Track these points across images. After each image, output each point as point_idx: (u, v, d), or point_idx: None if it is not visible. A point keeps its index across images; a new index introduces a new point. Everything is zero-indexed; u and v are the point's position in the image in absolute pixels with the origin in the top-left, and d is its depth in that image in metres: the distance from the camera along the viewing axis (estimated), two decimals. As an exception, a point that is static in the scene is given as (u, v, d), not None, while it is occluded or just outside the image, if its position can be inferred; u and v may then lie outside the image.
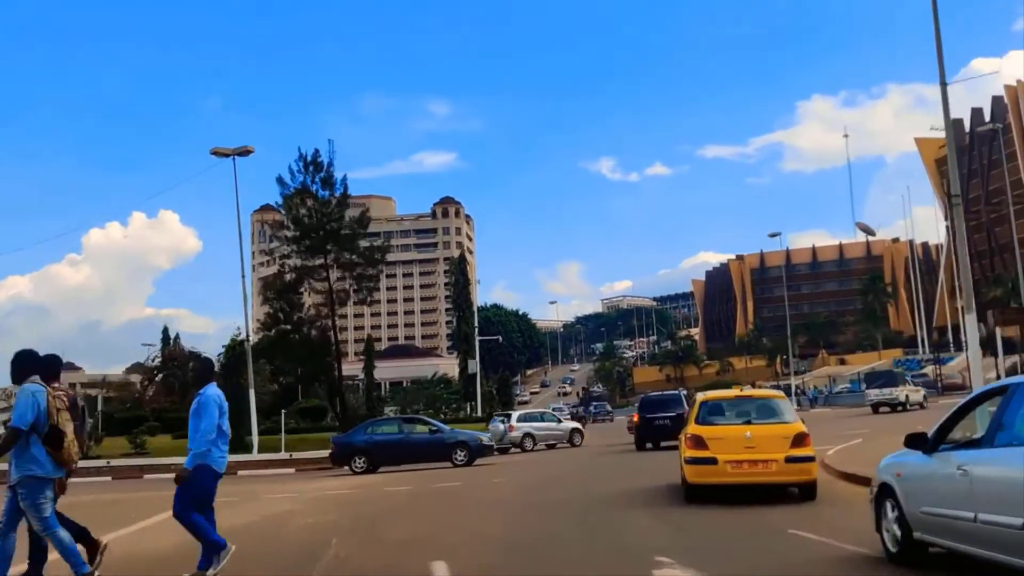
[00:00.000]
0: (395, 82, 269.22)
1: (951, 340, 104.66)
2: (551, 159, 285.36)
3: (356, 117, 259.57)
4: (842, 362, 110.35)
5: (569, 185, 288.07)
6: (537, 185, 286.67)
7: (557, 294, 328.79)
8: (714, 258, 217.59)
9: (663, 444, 27.27)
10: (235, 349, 37.64)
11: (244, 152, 35.15)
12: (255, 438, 34.39)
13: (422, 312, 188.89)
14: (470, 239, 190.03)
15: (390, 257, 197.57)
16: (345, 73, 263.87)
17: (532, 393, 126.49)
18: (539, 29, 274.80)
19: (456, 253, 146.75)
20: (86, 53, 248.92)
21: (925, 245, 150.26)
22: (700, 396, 15.20)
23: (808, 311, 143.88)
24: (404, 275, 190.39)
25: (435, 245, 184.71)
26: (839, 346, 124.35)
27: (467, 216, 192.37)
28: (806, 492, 12.65)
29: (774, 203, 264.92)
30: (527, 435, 35.80)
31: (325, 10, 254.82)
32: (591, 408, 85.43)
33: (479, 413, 53.23)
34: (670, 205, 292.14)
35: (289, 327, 39.11)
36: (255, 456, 33.59)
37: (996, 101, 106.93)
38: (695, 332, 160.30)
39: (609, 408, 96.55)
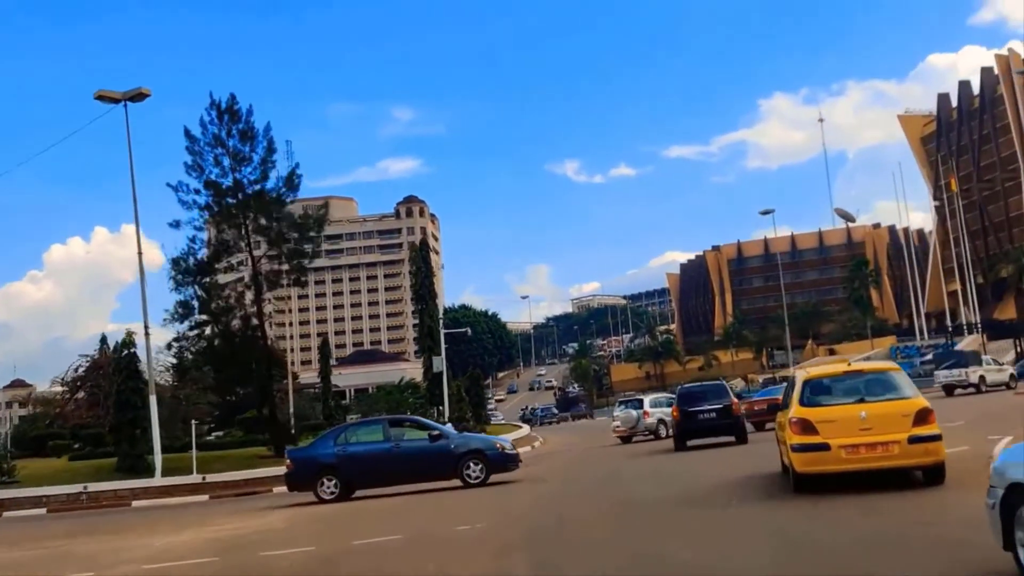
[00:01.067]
0: (359, 89, 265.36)
1: (950, 324, 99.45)
2: (517, 162, 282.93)
3: (320, 124, 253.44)
4: (831, 352, 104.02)
5: (535, 188, 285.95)
6: (503, 189, 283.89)
7: (528, 294, 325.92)
8: (681, 256, 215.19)
9: (711, 441, 24.68)
10: (128, 346, 29.88)
11: (138, 96, 27.76)
12: (158, 458, 26.80)
13: (388, 316, 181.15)
14: (436, 239, 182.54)
15: (353, 260, 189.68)
16: (309, 81, 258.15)
17: (498, 401, 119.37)
18: (501, 33, 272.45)
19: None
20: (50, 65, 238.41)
21: (907, 231, 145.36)
22: (802, 374, 13.06)
23: (789, 301, 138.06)
24: (368, 277, 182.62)
25: (400, 246, 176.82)
26: (824, 336, 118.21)
27: (432, 215, 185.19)
28: (932, 476, 11.34)
29: (740, 201, 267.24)
30: (661, 421, 30.84)
31: (287, 17, 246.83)
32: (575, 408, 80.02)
33: (447, 417, 46.03)
34: (636, 206, 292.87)
35: (206, 318, 31.53)
36: (157, 481, 26.24)
37: (985, 72, 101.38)
38: (672, 328, 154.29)
39: (584, 407, 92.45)
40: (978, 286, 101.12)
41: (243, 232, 30.59)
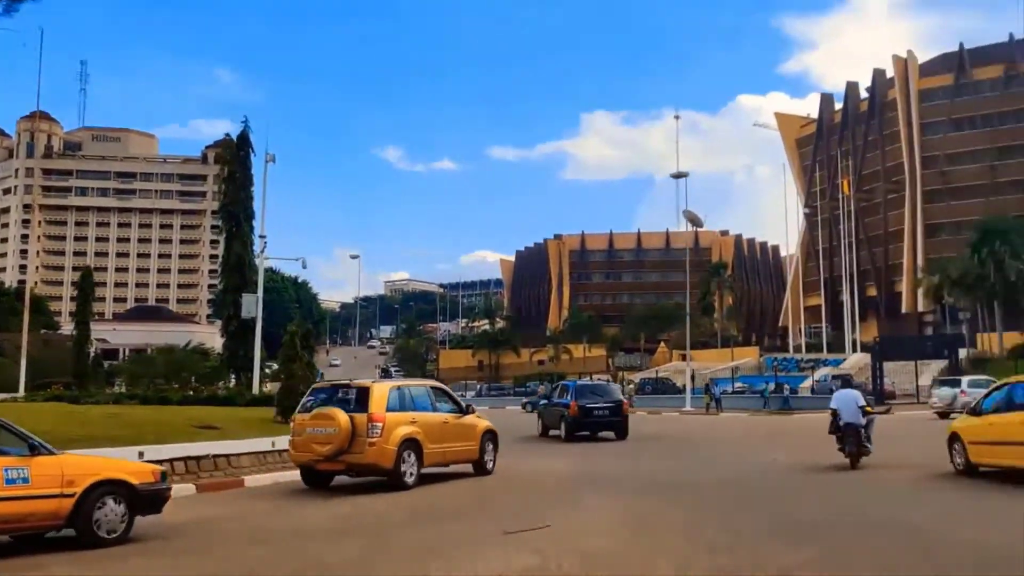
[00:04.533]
0: (176, 44, 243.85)
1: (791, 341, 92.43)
2: (338, 142, 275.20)
3: (131, 71, 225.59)
4: (683, 358, 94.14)
5: (354, 170, 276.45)
6: (321, 167, 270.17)
7: (334, 279, 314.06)
8: (492, 256, 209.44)
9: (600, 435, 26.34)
10: None
11: None
12: None
13: (180, 272, 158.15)
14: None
15: (146, 203, 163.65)
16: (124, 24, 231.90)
17: (332, 366, 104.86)
18: (335, 15, 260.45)
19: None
20: None
21: (752, 241, 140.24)
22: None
23: (629, 301, 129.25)
24: (163, 226, 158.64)
25: (203, 195, 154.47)
26: (670, 341, 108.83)
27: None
28: None
29: (555, 208, 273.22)
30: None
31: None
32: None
33: (258, 386, 30.25)
34: (454, 201, 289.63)
35: None
36: None
37: (878, 74, 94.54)
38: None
39: None
40: (838, 304, 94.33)
41: None
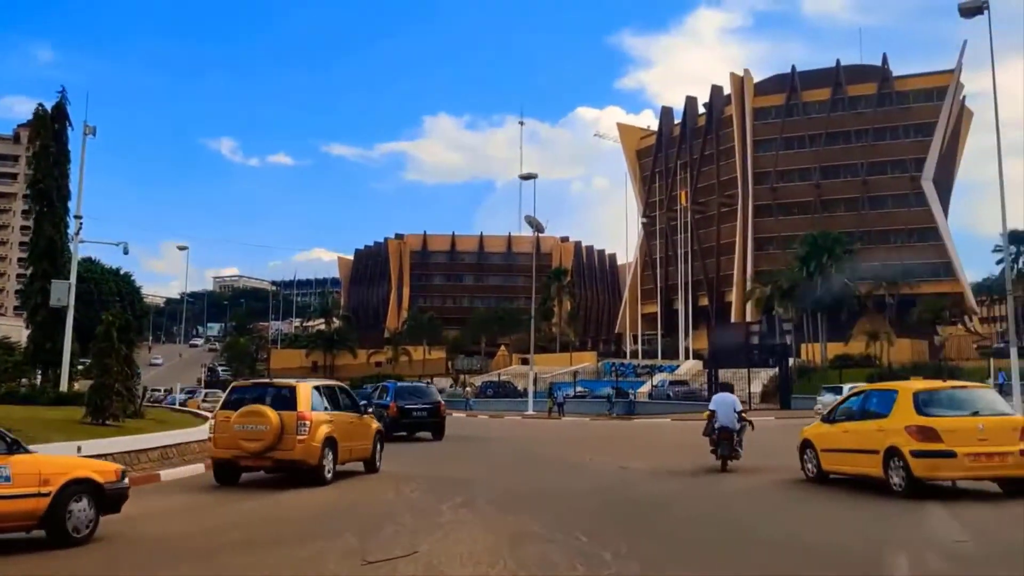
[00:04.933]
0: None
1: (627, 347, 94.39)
2: (167, 131, 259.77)
3: None
4: (525, 362, 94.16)
5: (183, 161, 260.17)
6: (149, 157, 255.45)
7: (160, 273, 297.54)
8: (328, 255, 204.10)
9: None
10: None
11: None
12: None
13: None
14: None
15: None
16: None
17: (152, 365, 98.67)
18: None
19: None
20: None
21: (591, 248, 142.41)
22: (905, 386, 14.13)
23: (470, 304, 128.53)
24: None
25: (15, 176, 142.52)
26: (511, 346, 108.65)
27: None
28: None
29: (394, 209, 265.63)
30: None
31: None
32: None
33: (66, 383, 27.15)
34: (289, 197, 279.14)
35: None
36: None
37: (716, 91, 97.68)
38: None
39: None
40: (672, 311, 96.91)
41: None
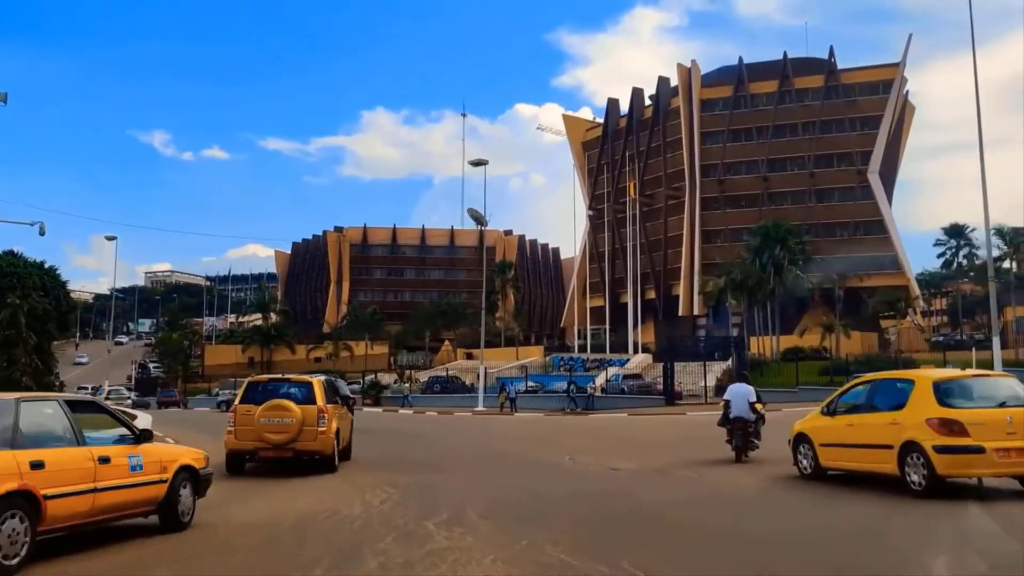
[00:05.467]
0: None
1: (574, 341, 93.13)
2: (97, 123, 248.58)
3: None
4: (469, 357, 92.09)
5: (110, 153, 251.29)
6: (77, 150, 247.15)
7: (89, 269, 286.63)
8: (263, 251, 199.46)
9: None
10: None
11: None
12: None
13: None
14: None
15: None
16: None
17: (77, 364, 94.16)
18: None
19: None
20: None
21: (534, 242, 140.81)
22: (923, 375, 12.99)
23: (411, 299, 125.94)
24: None
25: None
26: (453, 341, 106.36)
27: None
28: None
29: (332, 204, 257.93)
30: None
31: None
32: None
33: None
34: (223, 192, 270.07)
35: None
36: None
37: (663, 82, 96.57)
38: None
39: (175, 392, 71.52)
40: (619, 305, 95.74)
41: None
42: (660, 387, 53.38)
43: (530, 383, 57.98)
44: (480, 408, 50.51)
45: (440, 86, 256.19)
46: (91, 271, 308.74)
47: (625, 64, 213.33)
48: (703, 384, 54.37)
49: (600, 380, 58.95)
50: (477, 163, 57.78)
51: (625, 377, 54.92)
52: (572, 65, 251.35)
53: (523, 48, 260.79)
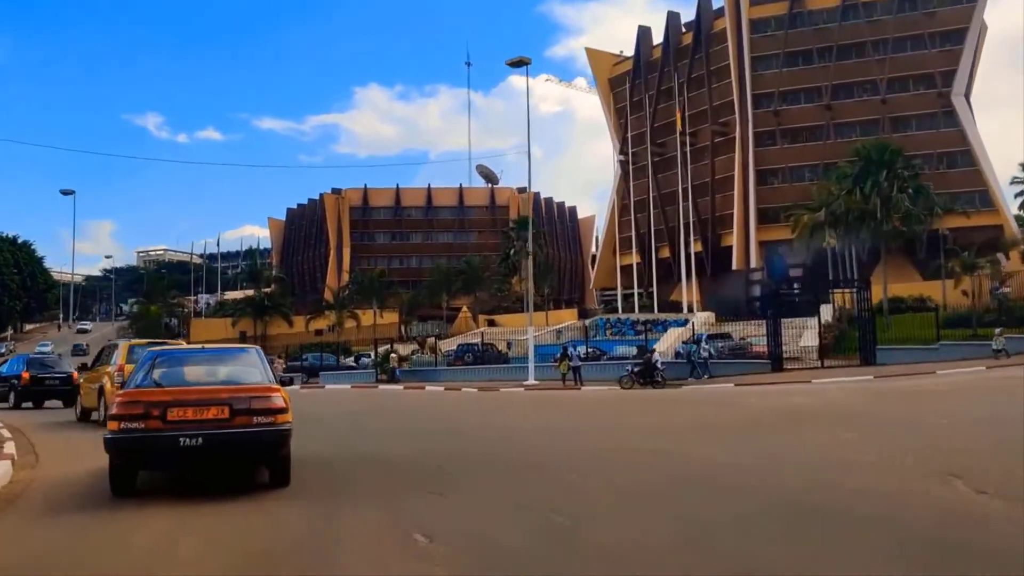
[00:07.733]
0: None
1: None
2: (91, 107, 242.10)
3: None
4: (491, 324, 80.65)
5: (105, 136, 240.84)
6: (72, 134, 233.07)
7: (85, 254, 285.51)
8: (260, 232, 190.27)
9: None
10: None
11: None
12: None
13: None
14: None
15: None
16: None
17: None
18: None
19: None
20: None
21: (550, 200, 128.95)
22: None
23: (417, 265, 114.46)
24: None
25: None
26: (472, 307, 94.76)
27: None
28: None
29: (327, 183, 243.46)
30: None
31: None
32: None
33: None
34: (218, 173, 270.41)
35: None
36: None
37: (703, 3, 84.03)
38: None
39: None
40: (659, 261, 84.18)
41: None
42: (756, 349, 42.02)
43: (588, 348, 46.29)
44: (531, 381, 39.05)
45: (433, 61, 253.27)
46: (90, 257, 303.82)
47: (618, 32, 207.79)
48: (804, 344, 43.19)
49: (663, 344, 47.46)
50: (518, 63, 45.62)
51: (709, 337, 43.24)
52: (564, 36, 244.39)
53: (515, 20, 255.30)
